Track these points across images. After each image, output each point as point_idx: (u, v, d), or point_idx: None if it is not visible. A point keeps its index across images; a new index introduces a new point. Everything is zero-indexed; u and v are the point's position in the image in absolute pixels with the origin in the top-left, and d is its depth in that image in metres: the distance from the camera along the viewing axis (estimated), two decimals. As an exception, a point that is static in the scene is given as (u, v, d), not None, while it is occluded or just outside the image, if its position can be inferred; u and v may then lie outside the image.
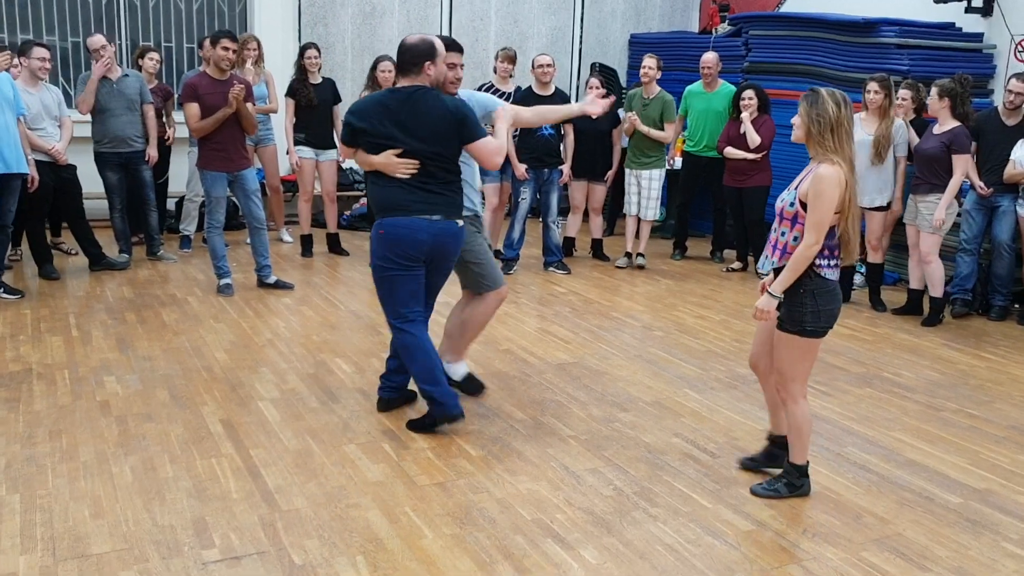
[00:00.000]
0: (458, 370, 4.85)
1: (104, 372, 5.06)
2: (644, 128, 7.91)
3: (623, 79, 10.94)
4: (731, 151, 7.93)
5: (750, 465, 4.12)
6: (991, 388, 5.41)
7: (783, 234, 3.67)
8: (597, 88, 8.09)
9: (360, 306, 6.66)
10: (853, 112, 3.60)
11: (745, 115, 7.76)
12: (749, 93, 7.84)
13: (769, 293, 3.66)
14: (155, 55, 8.16)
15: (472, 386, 4.86)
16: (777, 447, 4.03)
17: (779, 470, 3.95)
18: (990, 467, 4.27)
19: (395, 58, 4.36)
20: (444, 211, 4.21)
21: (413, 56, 4.16)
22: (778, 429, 4.03)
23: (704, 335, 6.25)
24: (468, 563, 3.25)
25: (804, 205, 3.57)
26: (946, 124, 6.58)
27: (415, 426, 4.40)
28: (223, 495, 3.68)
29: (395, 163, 4.14)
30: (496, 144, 4.30)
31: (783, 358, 3.73)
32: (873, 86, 6.74)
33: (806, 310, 3.61)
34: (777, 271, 3.70)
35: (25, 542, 3.27)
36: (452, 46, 4.45)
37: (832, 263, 3.63)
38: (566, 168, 8.03)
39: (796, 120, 3.66)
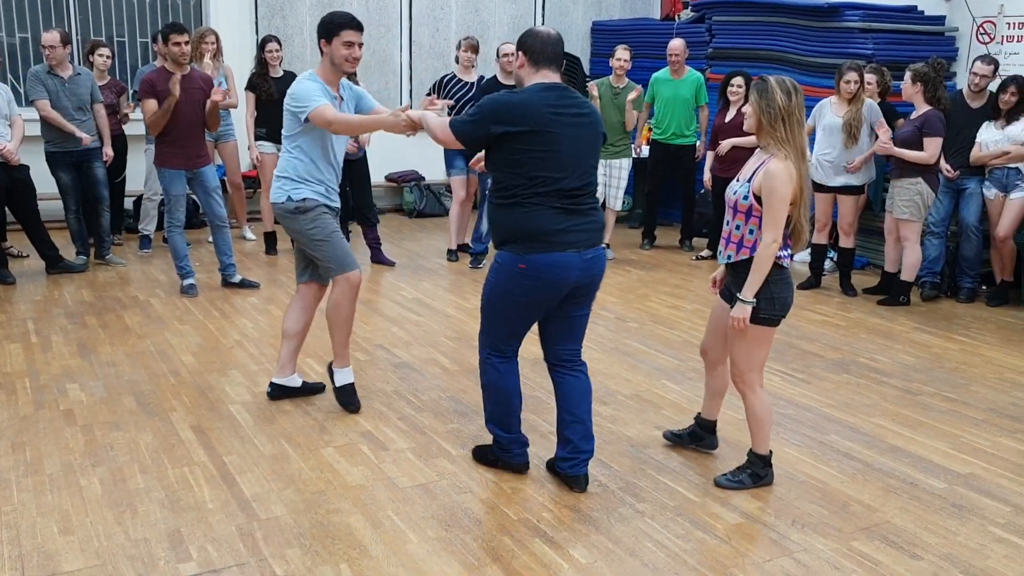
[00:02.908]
0: (341, 377, 4.53)
1: (67, 379, 4.89)
2: (630, 106, 7.86)
3: (587, 67, 10.86)
4: (727, 143, 7.63)
5: (673, 440, 4.21)
6: (966, 371, 5.42)
7: (737, 227, 3.64)
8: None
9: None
10: (803, 99, 3.57)
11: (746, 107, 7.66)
12: (738, 80, 7.64)
13: (741, 300, 3.61)
14: (105, 50, 7.90)
15: (348, 399, 4.50)
16: (703, 430, 4.14)
17: (709, 451, 4.14)
18: (972, 451, 4.27)
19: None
20: (596, 237, 3.63)
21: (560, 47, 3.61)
22: (708, 414, 4.13)
23: (678, 325, 6.20)
24: (456, 567, 3.16)
25: (759, 199, 3.55)
26: (920, 109, 6.58)
27: (477, 454, 4.00)
28: (198, 505, 3.55)
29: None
30: None
31: (738, 347, 3.71)
32: (852, 75, 6.69)
33: (760, 297, 3.60)
34: (732, 265, 3.69)
35: (-9, 562, 3.13)
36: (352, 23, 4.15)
37: (786, 251, 3.64)
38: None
39: (747, 110, 3.65)
